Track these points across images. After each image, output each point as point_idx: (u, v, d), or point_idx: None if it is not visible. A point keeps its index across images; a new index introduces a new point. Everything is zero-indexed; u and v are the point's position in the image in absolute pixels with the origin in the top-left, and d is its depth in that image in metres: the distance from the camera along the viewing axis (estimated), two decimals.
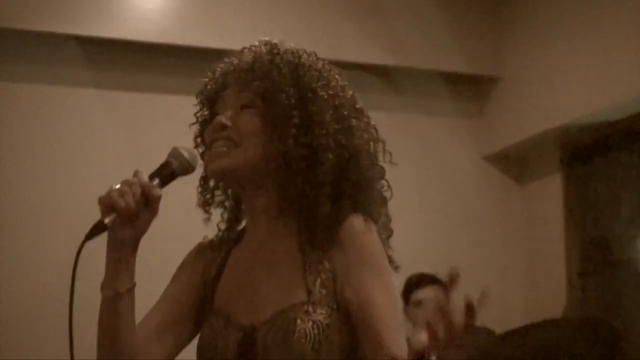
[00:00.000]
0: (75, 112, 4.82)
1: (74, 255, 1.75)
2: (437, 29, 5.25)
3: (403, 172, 5.31)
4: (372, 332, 1.85)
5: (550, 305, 4.86)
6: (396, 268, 2.02)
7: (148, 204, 1.84)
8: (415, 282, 4.45)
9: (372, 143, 2.06)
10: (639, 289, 4.69)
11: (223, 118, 1.97)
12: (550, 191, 5.21)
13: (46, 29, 4.67)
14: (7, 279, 4.58)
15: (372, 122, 2.08)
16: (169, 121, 4.23)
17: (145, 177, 1.85)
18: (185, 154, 1.91)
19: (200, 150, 2.05)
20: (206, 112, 2.06)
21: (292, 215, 1.99)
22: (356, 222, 1.95)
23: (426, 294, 4.41)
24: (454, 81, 5.38)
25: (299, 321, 1.88)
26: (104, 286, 1.89)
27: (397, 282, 4.68)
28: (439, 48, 5.25)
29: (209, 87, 2.06)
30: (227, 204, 2.13)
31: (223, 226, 2.14)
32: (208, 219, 2.12)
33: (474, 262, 4.89)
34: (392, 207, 4.57)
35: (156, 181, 1.86)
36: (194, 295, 2.09)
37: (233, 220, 2.14)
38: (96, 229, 1.80)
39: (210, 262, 2.11)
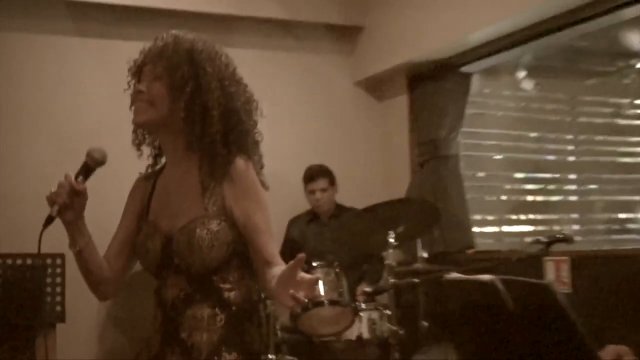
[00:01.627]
0: (61, 59, 4.71)
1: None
2: None
3: (295, 96, 5.65)
4: (254, 241, 2.02)
5: (400, 189, 5.03)
6: (267, 188, 2.12)
7: (77, 195, 1.93)
8: (309, 175, 4.73)
9: (248, 103, 2.13)
10: (456, 176, 4.89)
11: (140, 86, 2.06)
12: (399, 107, 5.29)
13: None
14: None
15: (249, 89, 2.15)
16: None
17: (71, 178, 1.93)
18: (96, 154, 1.98)
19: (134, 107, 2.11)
20: (134, 81, 2.13)
21: (196, 155, 2.08)
22: (240, 163, 2.05)
23: (316, 185, 4.69)
24: (333, 29, 5.38)
25: (197, 230, 1.99)
26: (69, 246, 2.02)
27: (299, 172, 4.72)
28: (319, 5, 5.22)
29: (135, 63, 2.13)
30: (155, 144, 2.22)
31: (151, 161, 2.24)
32: (140, 155, 2.21)
33: (346, 159, 5.29)
34: (287, 123, 5.18)
35: (80, 178, 1.94)
36: (138, 219, 2.18)
37: (157, 156, 2.24)
38: (49, 219, 1.90)
39: (145, 189, 2.20)
